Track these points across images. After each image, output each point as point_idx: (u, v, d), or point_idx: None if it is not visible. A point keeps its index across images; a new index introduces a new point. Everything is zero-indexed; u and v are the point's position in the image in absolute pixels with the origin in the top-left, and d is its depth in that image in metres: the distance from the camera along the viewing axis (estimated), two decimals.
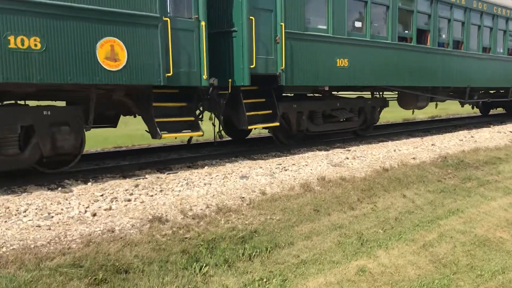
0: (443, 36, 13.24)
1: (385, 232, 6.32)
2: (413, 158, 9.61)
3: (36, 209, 5.55)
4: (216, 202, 6.17)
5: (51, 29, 6.18)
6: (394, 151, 10.48)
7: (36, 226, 5.07)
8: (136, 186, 6.61)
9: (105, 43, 6.70)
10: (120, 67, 6.89)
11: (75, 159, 7.22)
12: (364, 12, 10.80)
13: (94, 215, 5.49)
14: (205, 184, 7.03)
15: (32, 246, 4.55)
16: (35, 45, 6.03)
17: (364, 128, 12.31)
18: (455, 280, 5.37)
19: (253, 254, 5.19)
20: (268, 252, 5.29)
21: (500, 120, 18.22)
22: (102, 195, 6.15)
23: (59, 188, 6.50)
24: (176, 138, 9.10)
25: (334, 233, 6.04)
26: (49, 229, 4.99)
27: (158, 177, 7.24)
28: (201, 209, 5.89)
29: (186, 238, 5.15)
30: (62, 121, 6.85)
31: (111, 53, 6.77)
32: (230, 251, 5.12)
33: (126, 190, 6.42)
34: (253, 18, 8.48)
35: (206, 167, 8.18)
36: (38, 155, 6.72)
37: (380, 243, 5.97)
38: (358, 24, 10.76)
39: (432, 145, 11.47)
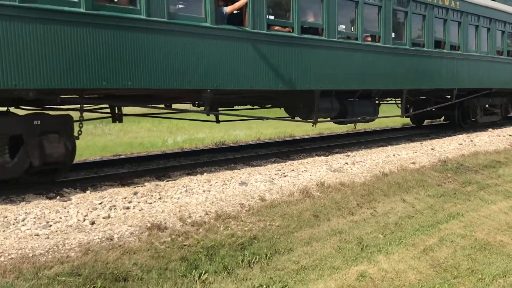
0: None
1: (385, 237, 6.29)
2: (413, 163, 9.60)
3: (35, 218, 5.53)
4: (215, 209, 6.15)
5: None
6: (394, 155, 10.47)
7: (35, 235, 5.05)
8: (135, 194, 6.60)
9: None
10: None
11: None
12: None
13: (93, 223, 5.47)
14: (204, 191, 7.01)
15: (31, 255, 4.53)
16: None
17: None
18: (456, 284, 5.34)
19: (253, 260, 5.16)
20: (267, 258, 5.27)
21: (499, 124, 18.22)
22: (100, 203, 6.13)
23: (58, 197, 6.48)
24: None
25: (334, 238, 6.01)
26: (48, 237, 4.97)
27: (157, 185, 7.23)
28: (200, 216, 5.87)
29: (185, 245, 5.13)
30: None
31: None
32: (230, 258, 5.10)
33: (125, 198, 6.41)
34: None
35: (205, 174, 8.17)
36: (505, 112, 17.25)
37: (380, 248, 5.95)
38: None
39: (432, 149, 11.47)
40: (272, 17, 8.99)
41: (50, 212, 5.71)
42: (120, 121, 8.73)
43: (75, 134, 7.15)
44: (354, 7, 10.29)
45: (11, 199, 6.36)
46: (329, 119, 10.79)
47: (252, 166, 9.16)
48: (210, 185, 7.34)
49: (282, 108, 11.08)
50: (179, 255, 4.93)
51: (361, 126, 18.76)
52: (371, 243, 6.03)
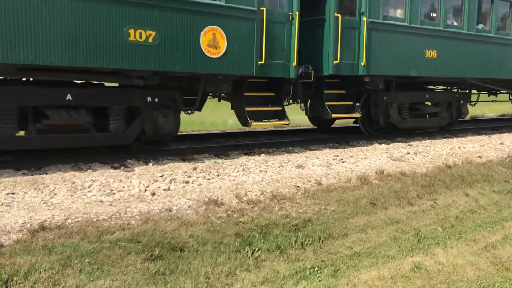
0: None
1: (444, 230, 6.09)
2: (479, 157, 9.17)
3: (100, 185, 5.81)
4: (271, 189, 6.19)
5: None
6: (459, 148, 10.05)
7: (99, 201, 5.32)
8: (194, 169, 6.76)
9: None
10: None
11: None
12: None
13: (153, 194, 5.68)
14: (260, 171, 7.07)
15: (95, 219, 4.79)
16: None
17: None
18: None
19: (306, 242, 5.16)
20: (321, 241, 5.25)
21: None
22: (161, 176, 6.34)
23: (122, 167, 6.77)
24: None
25: (390, 227, 5.89)
26: (111, 204, 5.22)
27: (215, 162, 7.36)
28: (256, 195, 5.93)
29: (240, 222, 5.22)
30: None
31: None
32: (283, 237, 5.13)
33: (185, 172, 6.58)
34: None
35: (262, 155, 8.22)
36: None
37: (438, 241, 5.76)
38: None
39: (501, 144, 10.89)
40: None
41: (114, 181, 5.98)
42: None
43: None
44: None
45: (79, 166, 6.71)
46: None
47: (310, 150, 9.11)
48: (267, 166, 7.38)
49: None
50: (233, 231, 5.02)
51: None
52: (428, 235, 5.86)
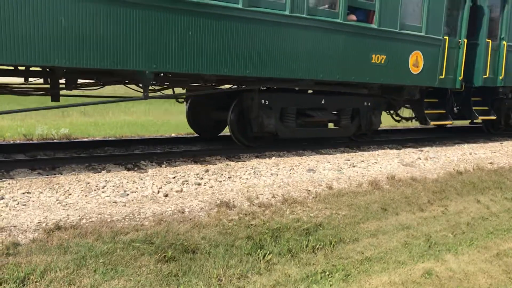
0: None
1: (455, 236, 6.08)
2: (491, 163, 9.13)
3: (114, 186, 5.88)
4: (282, 192, 6.23)
5: None
6: (470, 154, 10.01)
7: (113, 202, 5.39)
8: (206, 171, 6.82)
9: None
10: None
11: None
12: None
13: (166, 195, 5.74)
14: (271, 174, 7.11)
15: (109, 220, 4.85)
16: None
17: None
18: None
19: (317, 246, 5.19)
20: (332, 246, 5.28)
21: None
22: (174, 178, 6.40)
23: (135, 168, 6.84)
24: None
25: (401, 233, 5.90)
26: (125, 205, 5.29)
27: (227, 164, 7.42)
28: (267, 198, 5.97)
29: (251, 224, 5.26)
30: None
31: None
32: (294, 241, 5.16)
33: (197, 174, 6.64)
34: None
35: (273, 158, 8.26)
36: None
37: (449, 247, 5.77)
38: None
39: None
40: None
41: (127, 182, 6.05)
42: None
43: None
44: None
45: (93, 166, 6.79)
46: None
47: (321, 154, 9.12)
48: (278, 169, 7.41)
49: None
50: (245, 234, 5.06)
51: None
52: (439, 241, 5.86)
